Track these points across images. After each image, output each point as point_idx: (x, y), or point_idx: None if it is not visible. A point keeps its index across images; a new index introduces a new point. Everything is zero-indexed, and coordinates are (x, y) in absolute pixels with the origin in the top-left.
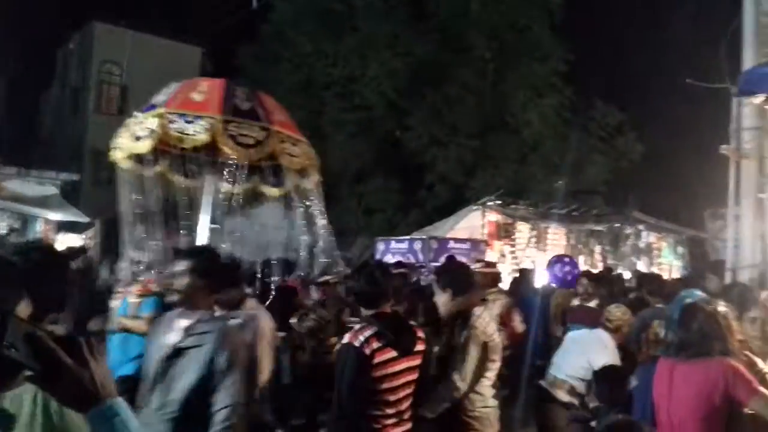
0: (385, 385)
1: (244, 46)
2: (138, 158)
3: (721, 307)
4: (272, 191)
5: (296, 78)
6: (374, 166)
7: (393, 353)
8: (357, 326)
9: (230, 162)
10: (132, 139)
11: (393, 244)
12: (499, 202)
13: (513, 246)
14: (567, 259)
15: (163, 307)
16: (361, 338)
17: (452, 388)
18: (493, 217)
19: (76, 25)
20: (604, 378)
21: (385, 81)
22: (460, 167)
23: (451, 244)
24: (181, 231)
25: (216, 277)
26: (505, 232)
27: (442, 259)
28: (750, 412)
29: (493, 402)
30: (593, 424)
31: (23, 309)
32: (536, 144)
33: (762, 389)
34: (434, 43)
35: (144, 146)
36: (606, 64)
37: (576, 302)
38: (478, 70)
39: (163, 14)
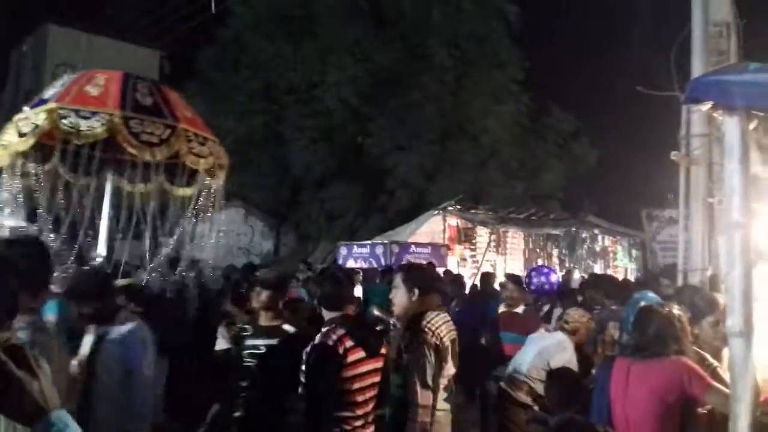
0: (356, 386)
1: (204, 50)
2: (25, 155)
3: (676, 309)
4: (181, 192)
5: (256, 83)
6: (336, 171)
7: (362, 353)
8: (325, 328)
9: (133, 160)
10: (16, 136)
11: (355, 249)
12: (459, 207)
13: (473, 250)
14: (545, 270)
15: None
16: (334, 337)
17: (419, 408)
18: (454, 221)
19: (29, 28)
20: (558, 379)
21: (346, 87)
22: (420, 173)
23: (413, 248)
24: (83, 232)
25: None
26: (465, 237)
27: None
28: (706, 408)
29: (445, 405)
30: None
31: None
32: (495, 150)
33: (715, 383)
34: (395, 51)
35: (26, 143)
36: (562, 72)
37: (502, 308)
38: (439, 78)
39: (121, 17)
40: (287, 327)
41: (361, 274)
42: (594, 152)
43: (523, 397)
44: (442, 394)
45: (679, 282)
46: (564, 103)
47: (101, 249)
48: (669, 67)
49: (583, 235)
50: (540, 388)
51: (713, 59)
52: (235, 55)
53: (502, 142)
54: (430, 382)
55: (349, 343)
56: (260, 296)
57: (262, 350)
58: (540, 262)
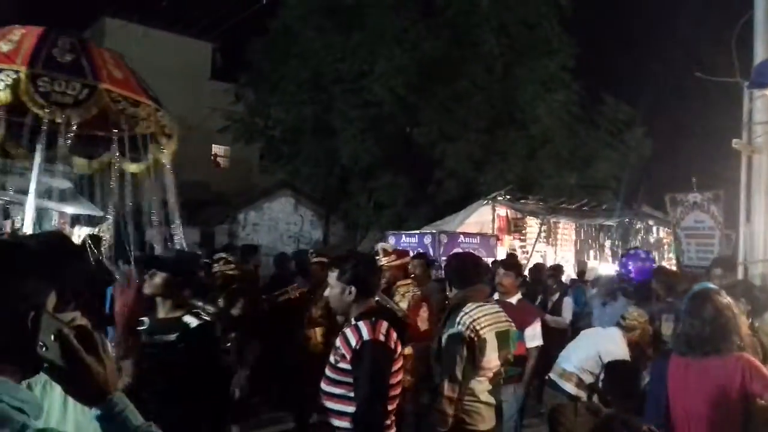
0: (394, 381)
1: (254, 42)
2: None
3: (729, 299)
4: (131, 167)
5: (305, 73)
6: (384, 161)
7: (399, 347)
8: (364, 319)
9: (60, 128)
10: None
11: (403, 239)
12: (509, 197)
13: (523, 240)
14: (642, 254)
15: None
16: (383, 331)
17: (444, 399)
18: (503, 211)
19: (87, 21)
20: (615, 370)
21: (394, 77)
22: (469, 162)
23: (461, 238)
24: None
25: None
26: (515, 227)
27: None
28: (763, 404)
29: (487, 398)
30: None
31: (51, 300)
32: (545, 139)
33: None
34: (443, 39)
35: None
36: (615, 59)
37: (495, 298)
38: (487, 66)
39: (174, 10)
40: (189, 319)
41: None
42: (648, 142)
43: (572, 389)
44: (485, 386)
45: (740, 275)
46: (617, 92)
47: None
48: (729, 52)
49: (637, 226)
50: (589, 380)
51: None
52: (284, 46)
53: (553, 131)
54: (458, 374)
55: (395, 336)
56: (153, 280)
57: (154, 350)
58: (592, 253)
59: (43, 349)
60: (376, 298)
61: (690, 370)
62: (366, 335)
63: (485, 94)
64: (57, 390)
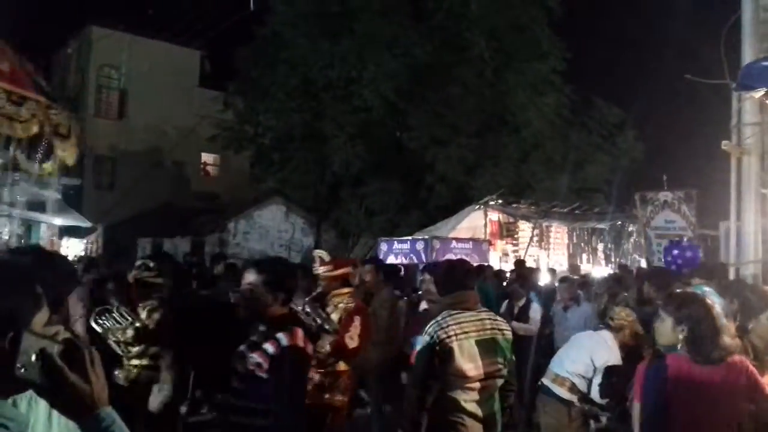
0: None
1: (242, 49)
2: None
3: (716, 298)
4: (33, 167)
5: (294, 80)
6: (375, 167)
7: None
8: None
9: None
10: None
11: (396, 245)
12: (501, 201)
13: (516, 245)
14: (688, 245)
15: None
16: (301, 337)
17: (407, 395)
18: (495, 216)
19: (73, 30)
20: (614, 375)
21: (384, 82)
22: (461, 167)
23: (454, 244)
24: None
25: None
26: (507, 231)
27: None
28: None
29: (474, 408)
30: (603, 419)
31: (42, 316)
32: (537, 143)
33: None
34: (433, 44)
35: None
36: (605, 62)
37: (423, 306)
38: (478, 70)
39: (161, 17)
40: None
41: (402, 270)
42: (639, 144)
43: (566, 394)
44: (470, 396)
45: (731, 276)
46: (608, 94)
47: None
48: (718, 55)
49: (630, 229)
50: (582, 385)
51: (765, 45)
52: (273, 52)
53: (544, 134)
54: (419, 381)
55: (309, 344)
56: None
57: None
58: (584, 256)
59: (22, 370)
60: (299, 308)
61: (690, 374)
62: (285, 342)
63: (476, 99)
64: (42, 404)
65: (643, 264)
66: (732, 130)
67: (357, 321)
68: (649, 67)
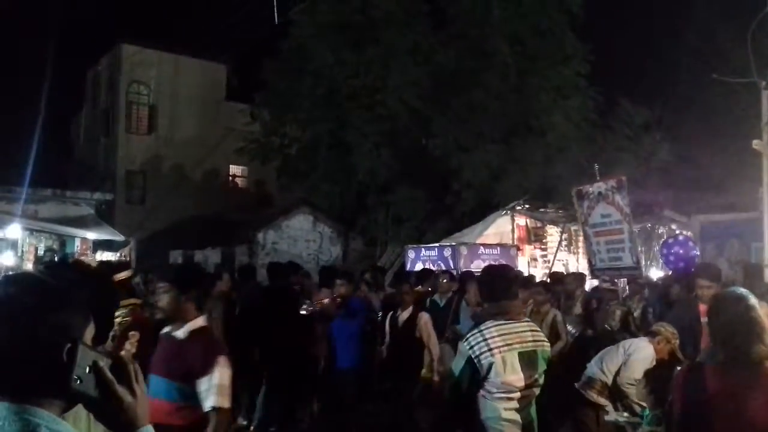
0: None
1: (267, 62)
2: None
3: (754, 300)
4: None
5: (319, 91)
6: (401, 175)
7: None
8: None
9: None
10: None
11: (423, 252)
12: (528, 206)
13: (544, 250)
14: (686, 240)
15: None
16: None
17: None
18: (522, 221)
19: (104, 48)
20: (652, 380)
21: (408, 90)
22: (486, 172)
23: (481, 249)
24: None
25: None
26: (535, 236)
27: (473, 266)
28: None
29: (512, 416)
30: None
31: (89, 331)
32: (562, 146)
33: None
34: (456, 50)
35: None
36: (630, 63)
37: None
38: (501, 75)
39: (188, 33)
40: None
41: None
42: (667, 144)
43: (595, 397)
44: (510, 405)
45: (766, 277)
46: (634, 96)
47: None
48: (746, 53)
49: (660, 231)
50: (609, 381)
51: None
52: (298, 64)
53: (570, 137)
54: (452, 391)
55: None
56: None
57: None
58: None
59: (77, 381)
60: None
61: (726, 382)
62: (215, 349)
63: (500, 104)
64: (83, 416)
65: (584, 267)
66: (763, 128)
67: (134, 338)
68: (676, 67)
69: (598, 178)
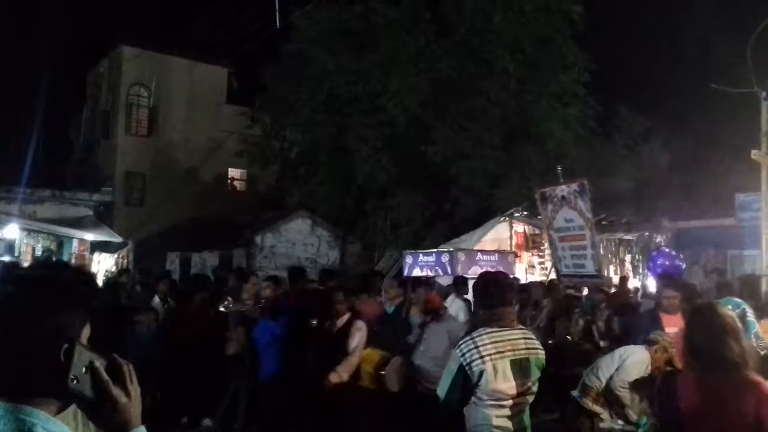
0: None
1: (268, 66)
2: None
3: (730, 311)
4: None
5: (320, 95)
6: (400, 180)
7: None
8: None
9: None
10: None
11: (421, 258)
12: (526, 212)
13: (542, 257)
14: (672, 252)
15: None
16: None
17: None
18: (521, 227)
19: (104, 50)
20: (639, 389)
21: (408, 96)
22: (485, 179)
23: (479, 256)
24: None
25: None
26: (533, 243)
27: (471, 272)
28: None
29: (503, 422)
30: None
31: (85, 331)
32: (561, 153)
33: None
34: (456, 57)
35: None
36: (630, 72)
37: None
38: (501, 82)
39: (189, 36)
40: None
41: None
42: (666, 153)
43: (590, 405)
44: (501, 412)
45: (764, 288)
46: (633, 105)
47: None
48: (746, 63)
49: (658, 240)
50: (601, 386)
51: None
52: (299, 68)
53: (569, 145)
54: (447, 396)
55: None
56: None
57: None
58: (612, 268)
59: (74, 381)
60: None
61: (698, 390)
62: None
63: (499, 110)
64: (69, 415)
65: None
66: (762, 138)
67: None
68: (676, 76)
69: (561, 180)
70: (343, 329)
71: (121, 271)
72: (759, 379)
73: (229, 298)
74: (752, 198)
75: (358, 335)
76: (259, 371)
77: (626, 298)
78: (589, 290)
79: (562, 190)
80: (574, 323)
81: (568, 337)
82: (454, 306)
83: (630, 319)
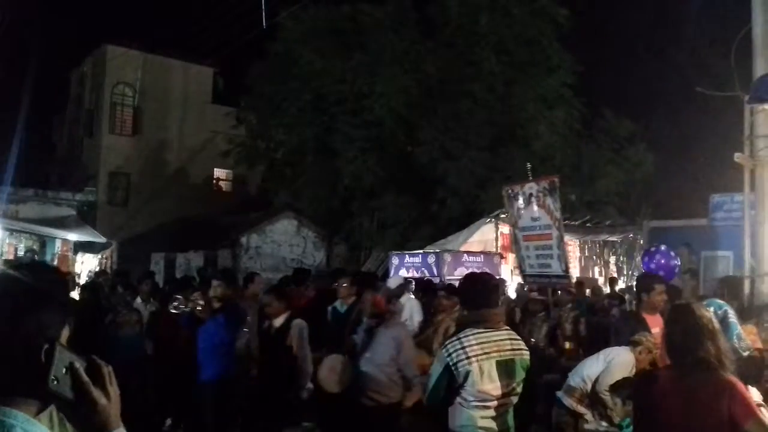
0: None
1: (255, 65)
2: None
3: (708, 311)
4: None
5: (306, 95)
6: (386, 181)
7: None
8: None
9: None
10: None
11: (407, 259)
12: None
13: None
14: (667, 251)
15: None
16: None
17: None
18: (507, 229)
19: (88, 49)
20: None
21: (395, 97)
22: (471, 180)
23: (465, 257)
24: None
25: None
26: None
27: (457, 273)
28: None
29: (488, 424)
30: None
31: (65, 332)
32: (547, 156)
33: (760, 412)
34: (443, 59)
35: None
36: (616, 75)
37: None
38: (488, 84)
39: (174, 35)
40: None
41: (413, 283)
42: (651, 156)
43: (574, 405)
44: (486, 413)
45: (746, 289)
46: (619, 107)
47: None
48: (728, 67)
49: (641, 242)
50: (587, 388)
51: None
52: (285, 68)
53: (555, 147)
54: (430, 395)
55: None
56: None
57: None
58: (597, 270)
59: (54, 382)
60: None
61: (672, 388)
62: None
63: (486, 112)
64: (44, 416)
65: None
66: (745, 142)
67: None
68: (661, 80)
69: (530, 177)
70: (280, 331)
71: (99, 273)
72: (734, 379)
73: (179, 298)
74: (726, 199)
75: (302, 336)
76: (202, 373)
77: (594, 300)
78: (553, 291)
79: (531, 187)
80: (538, 327)
81: (533, 340)
82: (409, 305)
83: (598, 321)
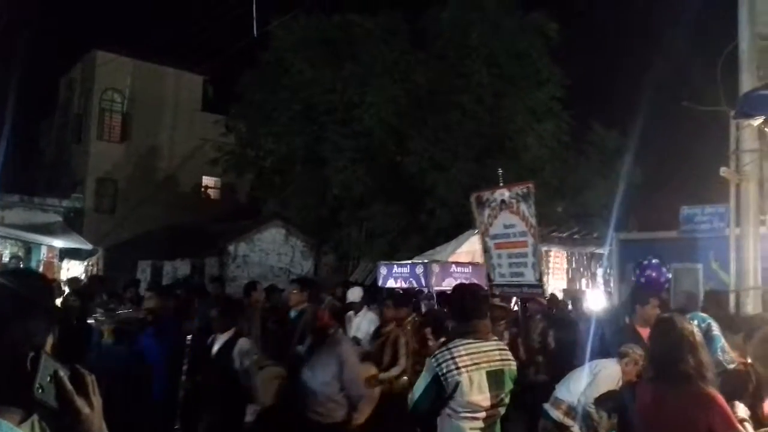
0: None
1: (245, 74)
2: None
3: (692, 325)
4: None
5: (296, 105)
6: (375, 191)
7: None
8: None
9: None
10: None
11: (395, 269)
12: None
13: None
14: (658, 264)
15: None
16: None
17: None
18: None
19: (78, 55)
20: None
21: (384, 107)
22: (460, 191)
23: (453, 268)
24: None
25: None
26: None
27: (445, 283)
28: None
29: None
30: None
31: (49, 341)
32: (535, 168)
33: (741, 426)
34: (433, 70)
35: None
36: (604, 88)
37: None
38: (477, 96)
39: (165, 42)
40: None
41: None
42: (638, 169)
43: (561, 417)
44: (475, 424)
45: (732, 304)
46: (607, 121)
47: None
48: (715, 82)
49: (607, 254)
50: (574, 402)
51: (761, 73)
52: (275, 77)
53: (543, 160)
54: (418, 404)
55: None
56: None
57: None
58: (584, 281)
59: (39, 390)
60: None
61: (656, 400)
62: None
63: (475, 124)
64: (26, 426)
65: (555, 288)
66: (730, 156)
67: None
68: (648, 94)
69: (501, 183)
70: (225, 347)
71: (70, 280)
72: (713, 392)
73: (100, 310)
74: (696, 211)
75: (245, 358)
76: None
77: (563, 312)
78: (522, 300)
79: (502, 193)
80: (499, 335)
81: None
82: (367, 317)
83: (566, 334)
